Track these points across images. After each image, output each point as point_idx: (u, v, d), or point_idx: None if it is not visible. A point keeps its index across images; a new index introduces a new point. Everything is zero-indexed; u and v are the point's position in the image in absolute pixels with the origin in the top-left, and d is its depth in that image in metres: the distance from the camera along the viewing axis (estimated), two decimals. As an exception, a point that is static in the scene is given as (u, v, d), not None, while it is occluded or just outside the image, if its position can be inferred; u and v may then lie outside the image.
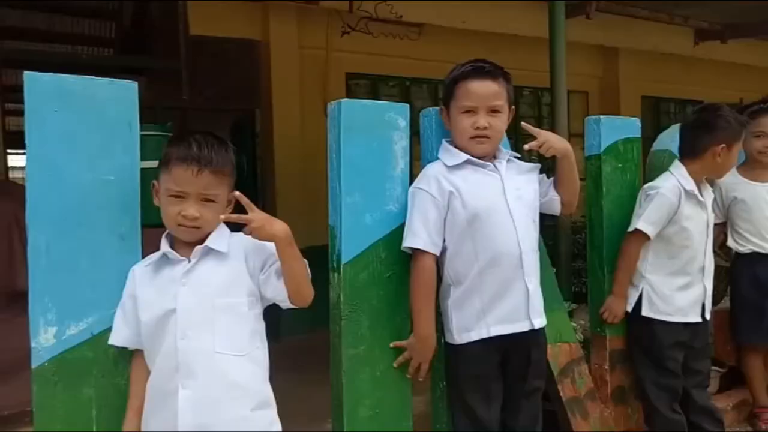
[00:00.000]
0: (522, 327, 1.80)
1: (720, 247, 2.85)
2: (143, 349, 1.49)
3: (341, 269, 1.77)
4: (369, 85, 5.76)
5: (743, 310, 2.67)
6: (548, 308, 2.02)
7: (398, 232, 1.85)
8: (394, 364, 1.85)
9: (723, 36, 6.88)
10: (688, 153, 2.32)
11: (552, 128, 2.95)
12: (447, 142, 1.93)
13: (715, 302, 3.42)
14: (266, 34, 5.32)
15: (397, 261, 1.86)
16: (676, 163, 2.34)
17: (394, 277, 1.85)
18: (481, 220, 1.78)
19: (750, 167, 2.72)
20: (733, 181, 2.73)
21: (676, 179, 2.28)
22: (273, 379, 1.54)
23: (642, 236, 2.28)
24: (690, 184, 2.27)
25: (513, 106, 1.92)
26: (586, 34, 6.37)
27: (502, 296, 1.79)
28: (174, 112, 5.96)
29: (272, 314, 1.57)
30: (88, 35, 6.76)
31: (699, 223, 2.29)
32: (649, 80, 7.42)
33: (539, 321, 1.84)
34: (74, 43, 6.79)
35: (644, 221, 2.26)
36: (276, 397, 1.54)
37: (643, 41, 6.76)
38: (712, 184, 2.73)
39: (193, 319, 1.42)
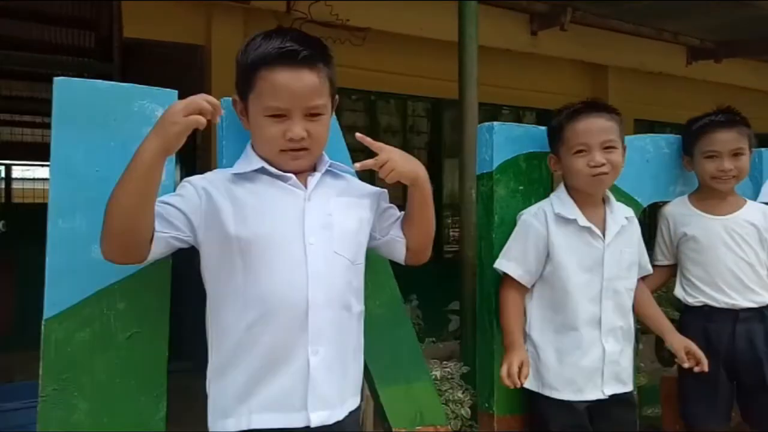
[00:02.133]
0: (296, 421, 1.20)
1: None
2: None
3: (42, 327, 1.20)
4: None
5: (690, 379, 2.02)
6: (405, 379, 1.56)
7: (150, 271, 1.29)
8: None
9: (717, 55, 6.33)
10: None
11: (462, 153, 2.18)
12: (251, 145, 1.38)
13: (666, 363, 2.80)
14: (208, 38, 4.87)
15: (146, 313, 1.30)
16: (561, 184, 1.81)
17: (138, 338, 1.29)
18: (254, 253, 1.22)
19: (702, 196, 2.10)
20: (683, 212, 2.12)
21: (548, 201, 1.76)
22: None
23: (509, 280, 1.73)
24: (563, 206, 1.73)
25: (336, 96, 1.37)
26: (564, 49, 5.86)
27: (273, 370, 1.21)
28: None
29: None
30: (50, 42, 6.39)
31: (583, 257, 1.71)
32: (642, 102, 6.79)
33: (320, 415, 1.22)
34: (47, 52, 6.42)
35: (503, 257, 1.73)
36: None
37: (629, 58, 6.20)
38: (657, 212, 2.17)
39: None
